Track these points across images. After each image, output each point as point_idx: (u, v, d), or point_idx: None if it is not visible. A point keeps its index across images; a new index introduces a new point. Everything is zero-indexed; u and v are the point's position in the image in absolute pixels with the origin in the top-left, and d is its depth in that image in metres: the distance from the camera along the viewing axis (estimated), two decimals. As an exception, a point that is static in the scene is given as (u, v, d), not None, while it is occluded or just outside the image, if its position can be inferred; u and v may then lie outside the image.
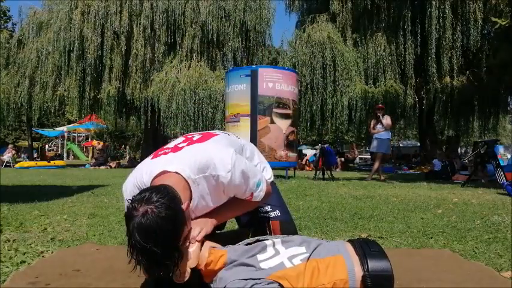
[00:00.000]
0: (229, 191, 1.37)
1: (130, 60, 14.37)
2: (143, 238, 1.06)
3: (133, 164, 16.75)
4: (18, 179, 7.21)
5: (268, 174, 1.63)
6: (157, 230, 1.06)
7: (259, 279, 1.14)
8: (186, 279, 1.22)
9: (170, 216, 1.09)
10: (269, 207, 1.61)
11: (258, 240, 1.31)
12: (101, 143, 20.81)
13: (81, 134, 29.88)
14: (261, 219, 1.60)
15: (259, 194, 1.43)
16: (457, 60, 11.84)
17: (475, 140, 13.36)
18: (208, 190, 1.33)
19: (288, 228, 1.62)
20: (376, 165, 7.63)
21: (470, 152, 13.39)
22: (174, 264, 1.14)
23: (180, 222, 1.14)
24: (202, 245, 1.27)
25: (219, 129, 11.83)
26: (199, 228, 1.29)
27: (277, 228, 1.59)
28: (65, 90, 15.14)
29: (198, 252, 1.24)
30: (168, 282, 1.22)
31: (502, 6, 9.35)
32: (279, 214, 1.63)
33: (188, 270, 1.22)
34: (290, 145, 7.45)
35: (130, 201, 1.15)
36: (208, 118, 13.58)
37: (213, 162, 1.30)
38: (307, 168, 13.90)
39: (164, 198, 1.11)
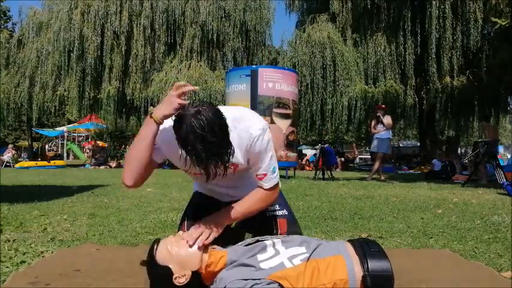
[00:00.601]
0: (252, 153, 1.38)
1: (130, 60, 14.36)
2: (201, 128, 1.14)
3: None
4: (18, 179, 7.21)
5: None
6: (212, 121, 1.16)
7: (259, 279, 1.14)
8: (186, 281, 1.22)
9: (220, 113, 1.20)
10: (277, 206, 1.63)
11: (258, 241, 1.31)
12: (91, 142, 20.71)
13: (81, 134, 29.85)
14: (268, 218, 1.61)
15: (272, 180, 1.45)
16: (457, 60, 11.83)
17: (475, 140, 13.35)
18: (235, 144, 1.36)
19: (294, 228, 1.63)
20: (377, 165, 7.63)
21: (470, 152, 13.38)
22: (228, 158, 1.21)
23: (227, 124, 1.22)
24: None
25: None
26: (208, 232, 1.31)
27: (284, 226, 1.60)
28: (65, 90, 15.13)
29: (201, 254, 1.24)
30: (168, 284, 1.22)
31: (502, 6, 9.34)
32: (287, 213, 1.65)
33: (189, 273, 1.22)
34: (290, 145, 7.45)
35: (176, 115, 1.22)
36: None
37: (248, 117, 1.38)
38: (307, 168, 13.90)
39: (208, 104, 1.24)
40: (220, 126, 1.18)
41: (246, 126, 1.34)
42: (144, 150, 1.31)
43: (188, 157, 1.20)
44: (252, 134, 1.34)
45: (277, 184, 1.50)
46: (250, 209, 1.48)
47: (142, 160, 1.31)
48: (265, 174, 1.44)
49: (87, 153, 20.23)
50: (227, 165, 1.24)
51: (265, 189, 1.48)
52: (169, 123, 1.29)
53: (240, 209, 1.46)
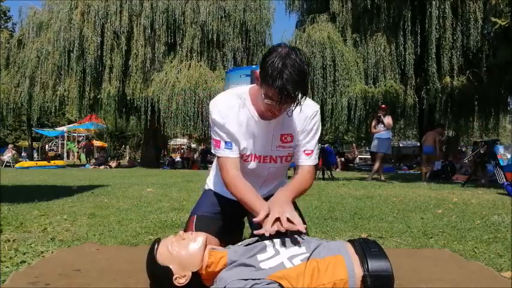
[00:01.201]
0: (306, 128, 1.54)
1: (130, 60, 14.35)
2: (302, 57, 1.28)
3: (133, 164, 16.76)
4: (18, 179, 7.21)
5: None
6: (306, 60, 1.29)
7: (259, 279, 1.14)
8: (186, 282, 1.22)
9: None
10: None
11: (258, 241, 1.31)
12: (85, 144, 20.74)
13: (81, 134, 29.89)
14: None
15: (315, 160, 1.59)
16: (457, 60, 11.82)
17: (475, 140, 13.36)
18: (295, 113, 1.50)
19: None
20: (377, 165, 7.63)
21: (470, 152, 13.39)
22: (304, 98, 1.34)
23: None
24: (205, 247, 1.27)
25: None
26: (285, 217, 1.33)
27: None
28: (65, 90, 15.13)
29: (201, 254, 1.24)
30: (168, 285, 1.22)
31: (502, 6, 9.34)
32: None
33: (189, 273, 1.22)
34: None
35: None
36: (208, 118, 13.56)
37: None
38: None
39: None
40: (308, 66, 1.30)
41: (305, 101, 1.40)
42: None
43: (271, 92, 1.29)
44: (313, 108, 1.50)
45: (315, 166, 1.61)
46: (302, 187, 1.56)
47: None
48: (312, 151, 1.56)
49: (77, 152, 20.33)
50: (299, 103, 1.34)
51: (309, 166, 1.58)
52: (227, 99, 1.51)
53: (293, 187, 1.53)
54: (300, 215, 1.64)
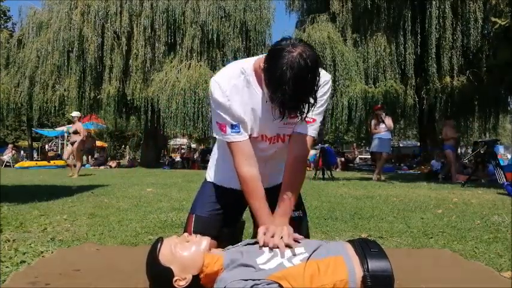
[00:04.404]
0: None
1: (130, 60, 14.36)
2: (307, 65, 1.15)
3: (133, 164, 16.76)
4: (18, 179, 7.21)
5: None
6: (317, 63, 1.19)
7: (259, 279, 1.14)
8: (186, 285, 1.22)
9: (319, 59, 1.22)
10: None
11: (257, 242, 1.31)
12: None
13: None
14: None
15: (316, 131, 1.46)
16: (457, 60, 11.85)
17: (475, 140, 13.36)
18: None
19: (299, 230, 1.61)
20: (380, 164, 7.64)
21: (471, 152, 13.39)
22: (309, 108, 1.23)
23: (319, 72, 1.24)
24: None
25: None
26: (286, 236, 1.27)
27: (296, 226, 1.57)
28: (64, 90, 15.14)
29: (203, 257, 1.24)
30: (167, 286, 1.22)
31: (502, 6, 9.35)
32: (302, 215, 1.62)
33: (190, 276, 1.22)
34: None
35: (278, 44, 1.21)
36: (208, 118, 13.57)
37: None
38: (307, 168, 13.88)
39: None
40: (316, 70, 1.19)
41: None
42: None
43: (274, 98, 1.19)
44: (324, 77, 1.35)
45: (314, 139, 1.49)
46: (297, 187, 1.44)
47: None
48: (314, 120, 1.42)
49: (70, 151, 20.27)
50: (304, 116, 1.25)
51: (307, 135, 1.44)
52: (230, 76, 1.37)
53: (288, 182, 1.42)
54: (300, 199, 1.60)
